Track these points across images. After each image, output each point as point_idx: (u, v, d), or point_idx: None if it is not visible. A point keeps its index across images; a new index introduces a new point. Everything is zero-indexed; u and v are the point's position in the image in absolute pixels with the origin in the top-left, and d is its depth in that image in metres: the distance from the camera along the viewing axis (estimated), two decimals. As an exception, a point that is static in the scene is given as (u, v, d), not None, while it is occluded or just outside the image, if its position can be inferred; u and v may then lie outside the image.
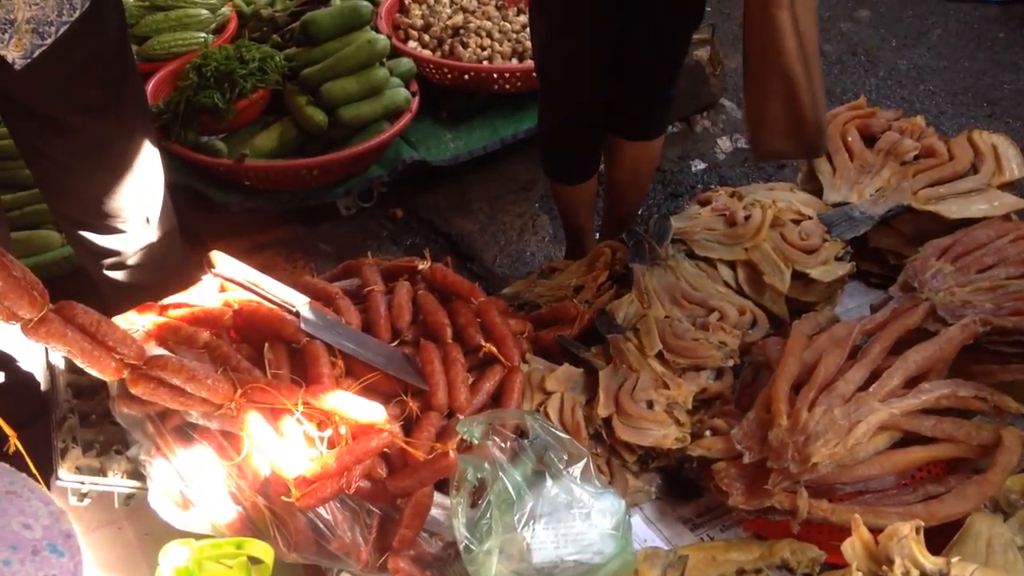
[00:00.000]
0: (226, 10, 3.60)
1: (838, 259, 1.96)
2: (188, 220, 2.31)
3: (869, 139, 2.23)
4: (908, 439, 1.54)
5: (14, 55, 1.59)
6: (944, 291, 1.72)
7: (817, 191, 2.17)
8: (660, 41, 2.34)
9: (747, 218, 2.00)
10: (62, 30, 1.64)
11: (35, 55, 1.62)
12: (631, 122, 2.51)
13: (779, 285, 1.89)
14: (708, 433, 1.58)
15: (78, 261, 2.19)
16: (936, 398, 1.53)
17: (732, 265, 1.96)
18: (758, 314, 1.88)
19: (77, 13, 1.65)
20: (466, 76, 3.39)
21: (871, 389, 1.51)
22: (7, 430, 1.28)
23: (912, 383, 1.56)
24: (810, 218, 2.03)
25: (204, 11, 3.44)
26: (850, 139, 2.22)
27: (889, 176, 2.12)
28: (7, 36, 1.57)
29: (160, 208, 2.03)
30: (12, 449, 1.28)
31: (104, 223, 1.94)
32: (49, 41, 1.63)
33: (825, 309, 1.91)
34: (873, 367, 1.56)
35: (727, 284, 1.95)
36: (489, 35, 3.55)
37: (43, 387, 1.77)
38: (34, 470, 1.31)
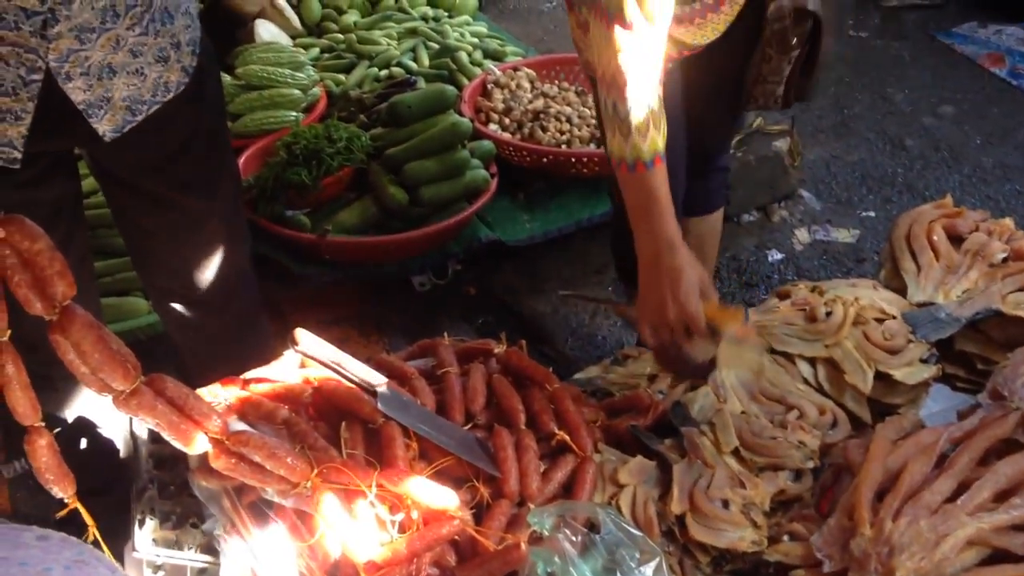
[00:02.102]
0: (316, 90, 3.74)
1: (923, 361, 1.90)
2: (269, 291, 2.37)
3: (955, 239, 2.19)
4: (997, 556, 1.47)
5: (105, 129, 1.67)
6: (1036, 400, 1.66)
7: (901, 290, 2.12)
8: (715, 113, 2.35)
9: (828, 314, 1.97)
10: (154, 108, 1.72)
11: (126, 130, 1.70)
12: (691, 198, 2.51)
13: (862, 385, 1.84)
14: (786, 538, 1.53)
15: (163, 328, 2.25)
16: (1028, 514, 1.46)
17: (812, 362, 1.92)
18: (839, 414, 1.83)
19: (172, 95, 1.74)
20: (544, 159, 3.44)
21: (959, 501, 1.45)
22: (88, 520, 1.29)
23: (1002, 496, 1.49)
24: (894, 317, 1.99)
25: (296, 91, 3.58)
26: (936, 238, 2.18)
27: (977, 278, 2.07)
28: (102, 112, 1.65)
29: (246, 281, 2.09)
30: (91, 539, 1.29)
31: (192, 295, 2.00)
32: (140, 118, 1.71)
33: (909, 412, 1.85)
34: (961, 478, 1.50)
35: (806, 381, 1.91)
36: (568, 120, 3.62)
37: (122, 454, 1.81)
38: (105, 548, 1.33)
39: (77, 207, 1.86)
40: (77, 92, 1.60)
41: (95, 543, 1.42)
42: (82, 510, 1.29)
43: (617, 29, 1.64)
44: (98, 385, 1.24)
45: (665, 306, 1.75)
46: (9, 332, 1.23)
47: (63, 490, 1.28)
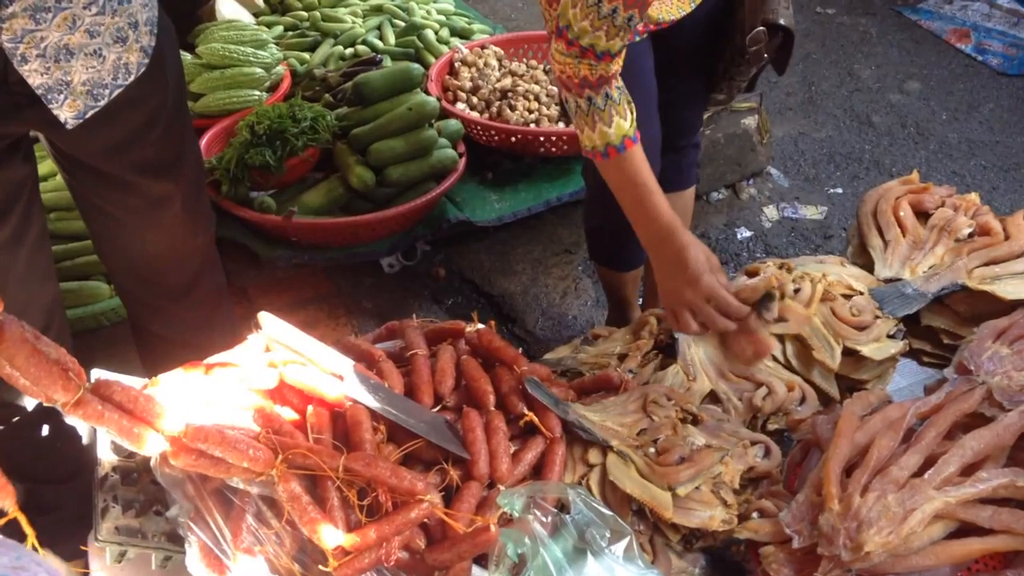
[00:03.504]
0: (280, 69, 3.68)
1: (890, 337, 1.92)
2: (234, 274, 2.34)
3: (922, 215, 2.20)
4: (964, 529, 1.48)
5: (67, 115, 1.63)
6: (1001, 375, 1.67)
7: (868, 266, 2.13)
8: (689, 89, 2.35)
9: (796, 291, 1.97)
10: (116, 92, 1.68)
11: (87, 116, 1.66)
12: (665, 173, 2.50)
13: (829, 362, 1.85)
14: (755, 515, 1.54)
15: (126, 312, 2.21)
16: (994, 488, 1.47)
17: (781, 339, 1.93)
18: (807, 390, 1.84)
19: (132, 77, 1.69)
20: (513, 138, 3.42)
21: (926, 476, 1.46)
22: (28, 530, 1.25)
23: (969, 470, 1.50)
24: (861, 293, 2.00)
25: (259, 70, 3.52)
26: (902, 214, 2.19)
27: (943, 253, 2.08)
28: (62, 97, 1.61)
29: (210, 265, 2.05)
30: (30, 545, 1.25)
31: (155, 279, 1.97)
32: (102, 103, 1.66)
33: (876, 388, 1.87)
34: (928, 452, 1.51)
35: (775, 358, 1.91)
36: (537, 98, 3.59)
37: (85, 440, 1.77)
38: (48, 555, 1.28)
39: (34, 190, 1.81)
40: (34, 76, 1.55)
41: (62, 528, 1.39)
42: (22, 520, 1.23)
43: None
44: (40, 396, 1.21)
45: (680, 289, 1.74)
46: None
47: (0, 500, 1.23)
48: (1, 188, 1.67)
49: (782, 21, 2.10)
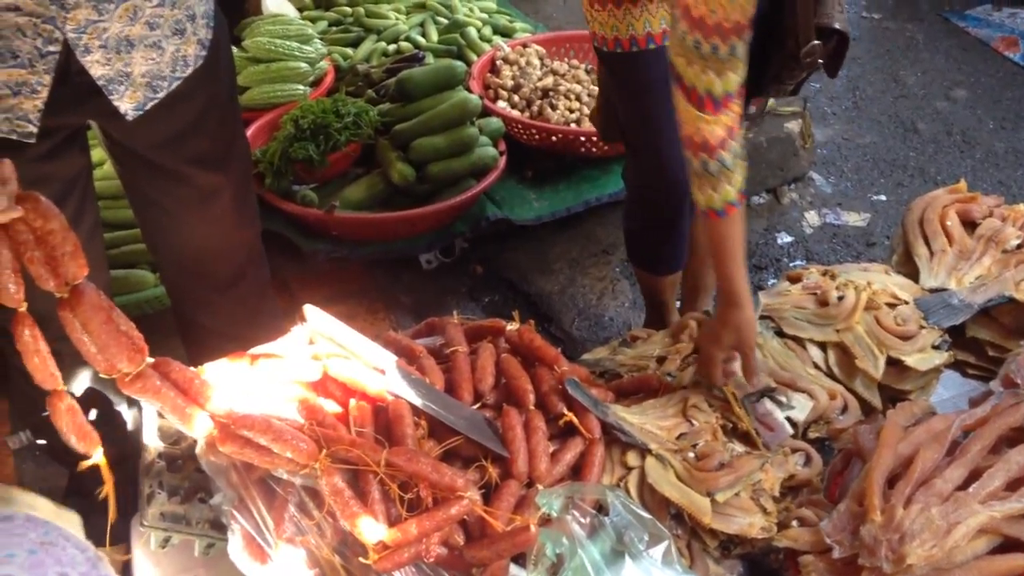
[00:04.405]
0: (324, 64, 3.71)
1: (935, 347, 1.90)
2: (275, 267, 2.36)
3: (969, 225, 2.17)
4: (1008, 544, 1.46)
5: (127, 107, 1.65)
6: (1049, 389, 1.65)
7: (913, 275, 2.11)
8: None
9: (840, 298, 1.96)
10: (175, 85, 1.70)
11: (147, 107, 1.68)
12: None
13: (872, 371, 1.83)
14: (795, 523, 1.53)
15: (169, 301, 2.24)
16: (1040, 503, 1.45)
17: (823, 347, 1.91)
18: (849, 399, 1.82)
19: (190, 70, 1.72)
20: (553, 138, 3.42)
21: (971, 489, 1.44)
22: (106, 475, 1.31)
23: (1014, 485, 1.48)
24: (906, 303, 1.97)
25: (304, 64, 3.54)
26: (949, 223, 2.16)
27: (990, 264, 2.06)
28: (122, 88, 1.63)
29: (256, 257, 2.07)
30: (102, 495, 1.31)
31: (202, 269, 1.99)
32: (161, 95, 1.69)
33: (920, 399, 1.85)
34: (973, 466, 1.49)
35: (816, 366, 1.90)
36: (578, 98, 3.58)
37: (130, 427, 1.80)
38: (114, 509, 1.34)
39: (88, 181, 1.84)
40: (96, 67, 1.58)
41: (103, 512, 1.42)
42: (104, 466, 1.32)
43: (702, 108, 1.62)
44: (103, 365, 1.24)
45: (723, 341, 1.77)
46: (25, 304, 1.24)
47: (87, 449, 1.30)
48: (58, 179, 1.70)
49: (837, 25, 2.07)
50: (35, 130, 1.58)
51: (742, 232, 1.76)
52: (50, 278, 1.24)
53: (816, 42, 2.06)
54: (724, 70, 1.56)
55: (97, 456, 1.32)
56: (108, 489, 1.32)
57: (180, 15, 1.66)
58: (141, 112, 1.67)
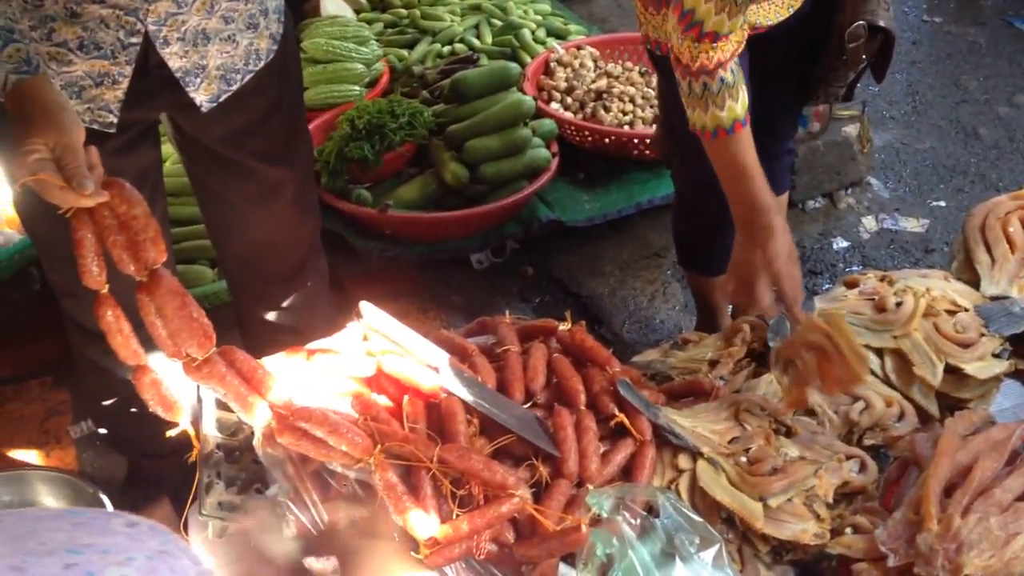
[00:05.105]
0: (380, 65, 3.75)
1: (995, 355, 1.86)
2: (330, 265, 2.39)
3: (1033, 231, 2.12)
4: (1069, 558, 1.43)
5: (202, 99, 1.70)
6: (1115, 401, 1.61)
7: (973, 282, 2.07)
8: (783, 95, 2.31)
9: (898, 305, 1.93)
10: (247, 78, 1.74)
11: (221, 99, 1.73)
12: None
13: (931, 378, 1.80)
14: (849, 530, 1.51)
15: (227, 297, 2.28)
16: (1104, 517, 1.42)
17: (880, 353, 1.88)
18: (906, 407, 1.79)
19: (262, 63, 1.76)
20: (606, 140, 3.41)
21: (1031, 501, 1.41)
22: (195, 443, 1.38)
23: (1077, 498, 1.45)
24: (966, 310, 1.94)
25: (360, 65, 3.59)
26: (1012, 230, 2.11)
27: (1054, 272, 2.01)
28: (198, 80, 1.68)
29: (315, 253, 2.11)
30: (193, 458, 1.38)
31: (263, 263, 2.03)
32: (235, 88, 1.73)
33: (979, 407, 1.81)
34: (1034, 477, 1.46)
35: (873, 373, 1.87)
36: (632, 100, 3.58)
37: (188, 420, 1.84)
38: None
39: (159, 175, 1.89)
40: (174, 59, 1.62)
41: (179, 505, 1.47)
42: (192, 435, 1.39)
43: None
44: (172, 349, 1.28)
45: (753, 263, 1.75)
46: (107, 285, 1.30)
47: (173, 417, 1.37)
48: (131, 172, 1.74)
49: (881, 22, 2.05)
50: (115, 120, 1.63)
51: (753, 150, 1.75)
52: (131, 262, 1.28)
53: (861, 23, 2.04)
54: (735, 13, 1.63)
55: (184, 423, 1.38)
56: (196, 455, 1.39)
57: (253, 9, 1.70)
58: (215, 104, 1.72)
